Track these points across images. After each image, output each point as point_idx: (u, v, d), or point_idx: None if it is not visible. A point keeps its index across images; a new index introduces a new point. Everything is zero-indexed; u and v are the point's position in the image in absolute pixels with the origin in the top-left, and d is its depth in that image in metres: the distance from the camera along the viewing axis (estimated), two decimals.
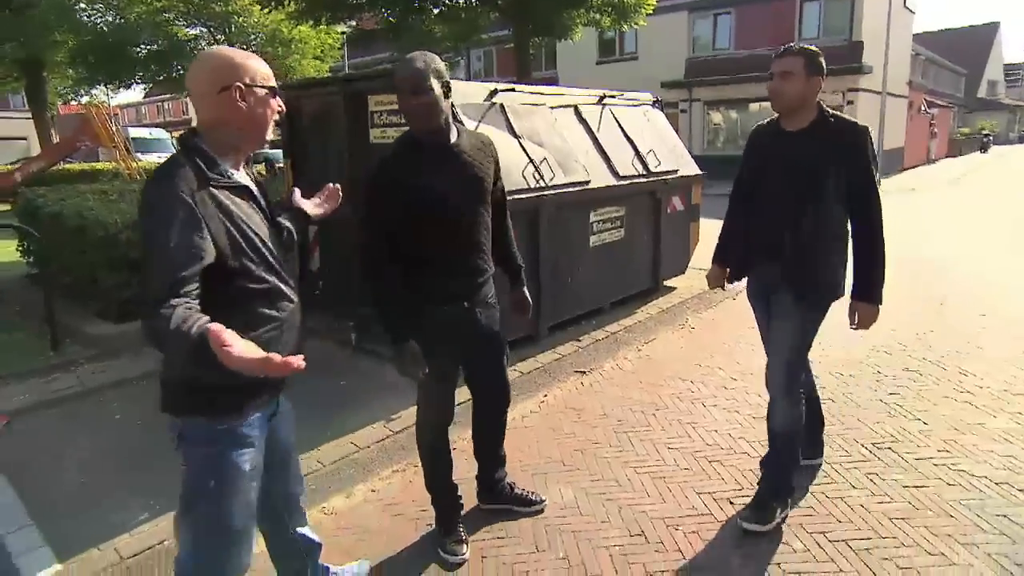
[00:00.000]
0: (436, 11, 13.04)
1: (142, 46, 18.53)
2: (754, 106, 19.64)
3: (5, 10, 15.88)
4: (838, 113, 2.35)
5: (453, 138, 2.14)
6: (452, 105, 2.21)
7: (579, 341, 4.67)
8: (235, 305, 1.47)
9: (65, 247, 5.24)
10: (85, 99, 26.10)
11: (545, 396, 3.88)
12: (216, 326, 1.20)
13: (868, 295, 2.37)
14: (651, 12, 13.33)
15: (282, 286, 1.60)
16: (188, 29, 19.72)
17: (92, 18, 18.12)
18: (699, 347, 4.71)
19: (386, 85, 4.09)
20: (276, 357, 1.20)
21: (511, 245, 2.48)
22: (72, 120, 21.19)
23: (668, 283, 6.10)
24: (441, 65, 2.05)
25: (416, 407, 2.39)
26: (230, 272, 1.45)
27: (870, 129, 2.32)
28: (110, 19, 18.54)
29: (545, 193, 4.30)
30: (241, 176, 1.57)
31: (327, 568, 2.15)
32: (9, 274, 7.14)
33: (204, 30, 19.75)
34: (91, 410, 3.69)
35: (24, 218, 6.19)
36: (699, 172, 6.06)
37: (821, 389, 3.83)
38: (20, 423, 3.56)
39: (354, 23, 15.40)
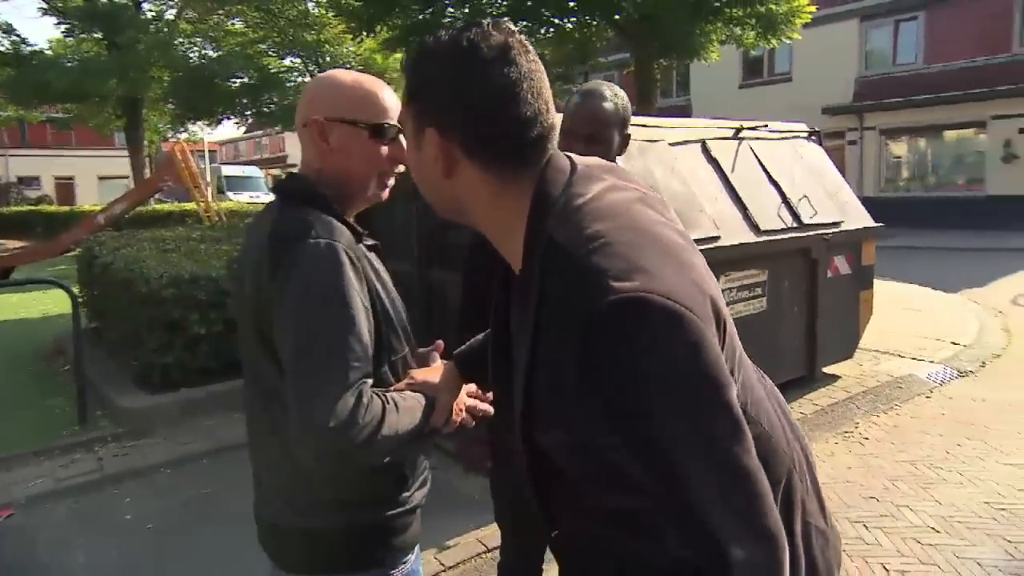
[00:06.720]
0: (542, 31, 13.21)
1: (233, 80, 20.55)
2: (951, 134, 17.99)
3: (112, 49, 18.30)
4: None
5: None
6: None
7: None
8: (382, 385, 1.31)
9: (110, 301, 5.52)
10: (184, 135, 29.38)
11: None
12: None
13: None
14: (808, 22, 12.66)
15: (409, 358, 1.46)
16: (281, 59, 21.71)
17: (187, 51, 20.44)
18: (874, 469, 3.99)
19: None
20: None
21: None
22: (163, 158, 23.79)
23: (828, 371, 5.42)
24: (628, 110, 1.89)
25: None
26: (379, 349, 1.30)
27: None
28: (207, 52, 20.84)
29: None
30: None
31: None
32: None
33: (296, 61, 21.63)
34: (102, 505, 3.71)
35: (82, 267, 6.69)
36: (872, 224, 5.40)
37: None
38: (23, 516, 3.60)
39: None
